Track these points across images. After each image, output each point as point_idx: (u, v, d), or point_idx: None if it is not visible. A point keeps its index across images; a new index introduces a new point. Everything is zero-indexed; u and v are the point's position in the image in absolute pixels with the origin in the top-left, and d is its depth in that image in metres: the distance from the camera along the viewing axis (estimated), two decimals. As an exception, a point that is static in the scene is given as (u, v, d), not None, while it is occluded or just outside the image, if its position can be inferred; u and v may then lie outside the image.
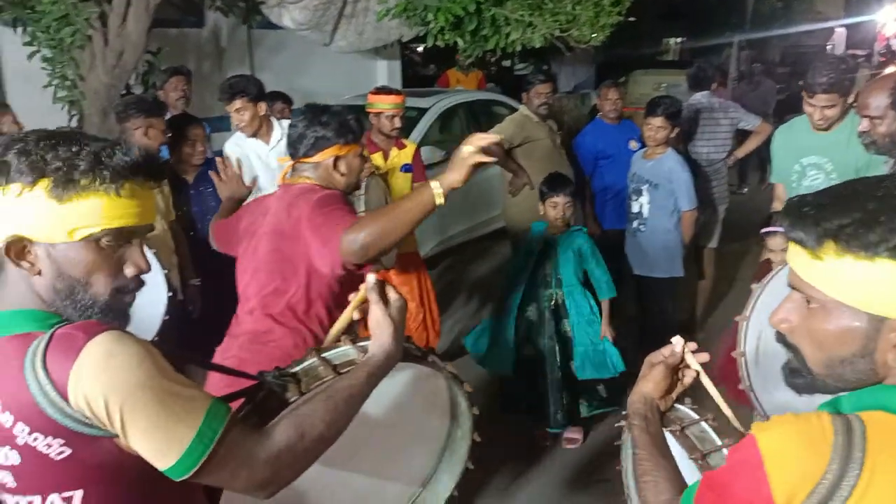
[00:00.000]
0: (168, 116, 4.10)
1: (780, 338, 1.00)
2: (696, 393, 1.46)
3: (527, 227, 3.97)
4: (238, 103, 3.83)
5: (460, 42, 6.26)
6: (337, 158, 2.31)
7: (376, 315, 1.34)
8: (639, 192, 4.23)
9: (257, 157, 3.99)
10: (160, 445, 1.08)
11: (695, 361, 1.38)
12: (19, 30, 5.44)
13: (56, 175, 1.11)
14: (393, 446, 1.60)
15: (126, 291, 1.22)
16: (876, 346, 0.91)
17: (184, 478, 1.10)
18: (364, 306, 1.40)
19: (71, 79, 5.21)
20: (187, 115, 4.14)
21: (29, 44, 5.41)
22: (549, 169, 4.04)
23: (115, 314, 1.21)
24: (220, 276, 3.04)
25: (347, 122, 2.35)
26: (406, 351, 1.41)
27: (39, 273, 1.16)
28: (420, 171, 4.31)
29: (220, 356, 2.27)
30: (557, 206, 3.65)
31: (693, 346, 1.39)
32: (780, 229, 3.20)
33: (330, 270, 2.12)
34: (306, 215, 2.16)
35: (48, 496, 1.13)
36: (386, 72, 9.31)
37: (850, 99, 3.08)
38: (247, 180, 3.64)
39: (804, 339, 0.97)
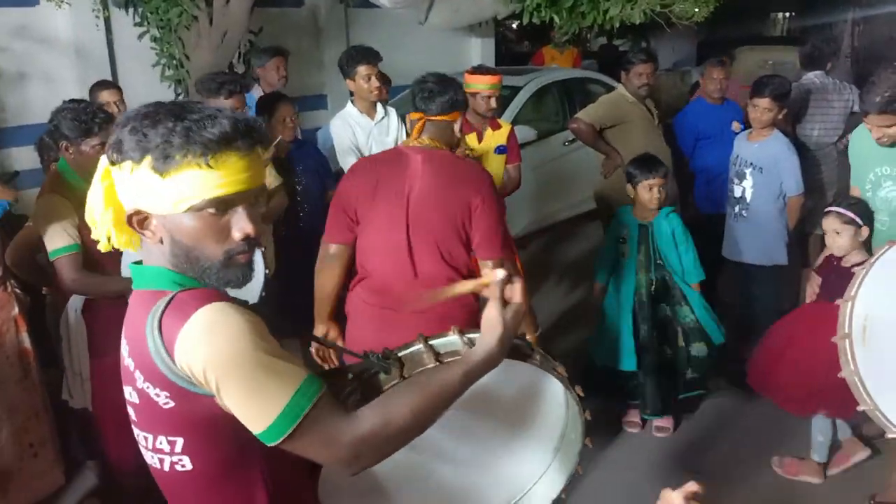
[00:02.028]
0: (261, 95, 4.22)
1: None
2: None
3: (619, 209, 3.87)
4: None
5: (556, 18, 6.15)
6: (457, 121, 2.68)
7: (491, 314, 1.31)
8: (742, 176, 4.05)
9: (363, 131, 4.11)
10: (251, 413, 1.16)
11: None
12: (130, 11, 5.68)
13: (156, 152, 1.18)
14: (504, 443, 1.58)
15: (238, 253, 1.27)
16: None
17: (272, 444, 1.17)
18: (481, 289, 1.38)
19: (177, 58, 5.42)
20: (277, 93, 4.24)
21: (139, 24, 5.66)
22: (643, 150, 3.92)
23: (232, 273, 1.27)
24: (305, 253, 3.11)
25: (464, 93, 2.74)
26: (517, 349, 1.38)
27: (161, 241, 1.25)
28: (515, 152, 4.26)
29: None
30: (652, 189, 3.53)
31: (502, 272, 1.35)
32: (839, 209, 3.07)
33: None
34: (487, 203, 2.57)
35: (157, 437, 1.27)
36: (480, 49, 9.24)
37: None
38: (352, 154, 3.87)
39: None
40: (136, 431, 1.32)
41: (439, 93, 2.63)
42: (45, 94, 5.32)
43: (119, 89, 4.39)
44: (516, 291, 1.35)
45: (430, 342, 1.37)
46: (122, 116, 1.25)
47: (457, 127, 2.70)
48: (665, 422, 3.73)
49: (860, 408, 2.38)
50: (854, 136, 3.37)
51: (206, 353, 1.14)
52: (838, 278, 3.01)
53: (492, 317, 1.30)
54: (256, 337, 1.17)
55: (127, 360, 1.26)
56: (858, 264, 2.85)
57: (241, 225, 1.25)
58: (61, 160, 2.94)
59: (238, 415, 1.17)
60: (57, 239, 2.77)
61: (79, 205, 2.76)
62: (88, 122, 2.78)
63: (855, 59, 11.24)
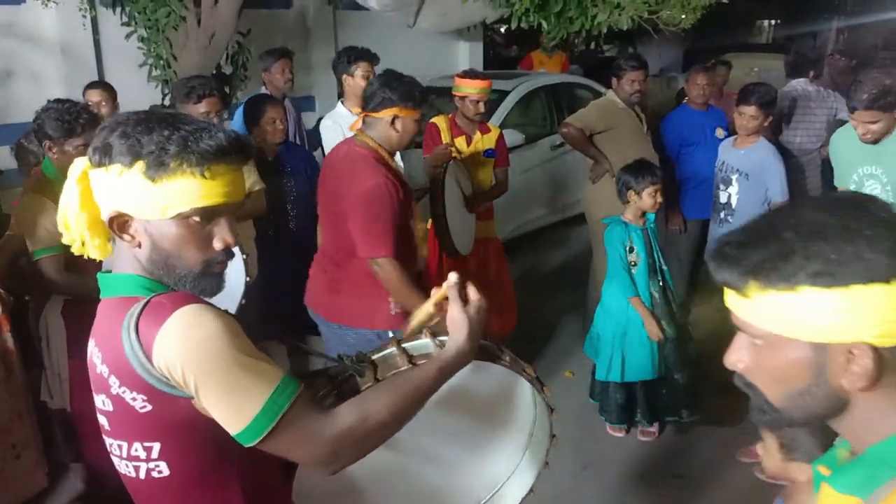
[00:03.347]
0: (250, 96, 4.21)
1: (739, 378, 0.98)
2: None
3: (606, 214, 3.87)
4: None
5: (545, 24, 6.17)
6: (395, 118, 2.70)
7: (454, 313, 1.35)
8: (728, 182, 4.08)
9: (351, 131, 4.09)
10: (229, 413, 1.17)
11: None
12: (118, 10, 5.66)
13: (149, 158, 1.19)
14: (476, 441, 1.60)
15: (215, 263, 1.30)
16: (827, 373, 0.88)
17: (250, 445, 1.18)
18: (443, 302, 1.40)
19: (165, 58, 5.40)
20: (265, 95, 4.23)
21: (126, 24, 5.63)
22: (633, 156, 3.93)
23: (207, 283, 1.30)
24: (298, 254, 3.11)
25: (412, 90, 2.71)
26: (486, 349, 1.41)
27: (139, 245, 1.26)
28: (503, 156, 4.28)
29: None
30: (657, 192, 3.55)
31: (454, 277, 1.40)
32: None
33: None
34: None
35: (132, 443, 1.26)
36: (468, 53, 9.27)
37: None
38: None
39: (759, 377, 0.94)
40: (108, 441, 1.31)
41: (377, 90, 2.72)
42: (31, 92, 5.30)
43: (110, 90, 4.36)
44: (472, 290, 1.38)
45: (403, 345, 1.40)
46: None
47: (399, 125, 2.72)
48: (652, 427, 3.75)
49: None
50: (835, 138, 3.43)
51: (183, 354, 1.15)
52: None
53: (455, 317, 1.35)
54: (233, 337, 1.18)
55: (100, 368, 1.25)
56: None
57: (222, 235, 1.28)
58: (45, 160, 2.93)
59: (216, 415, 1.18)
60: (40, 239, 2.77)
61: None
62: (72, 122, 2.78)
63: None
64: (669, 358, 3.62)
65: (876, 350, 0.85)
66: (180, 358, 1.15)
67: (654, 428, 3.75)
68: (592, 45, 13.29)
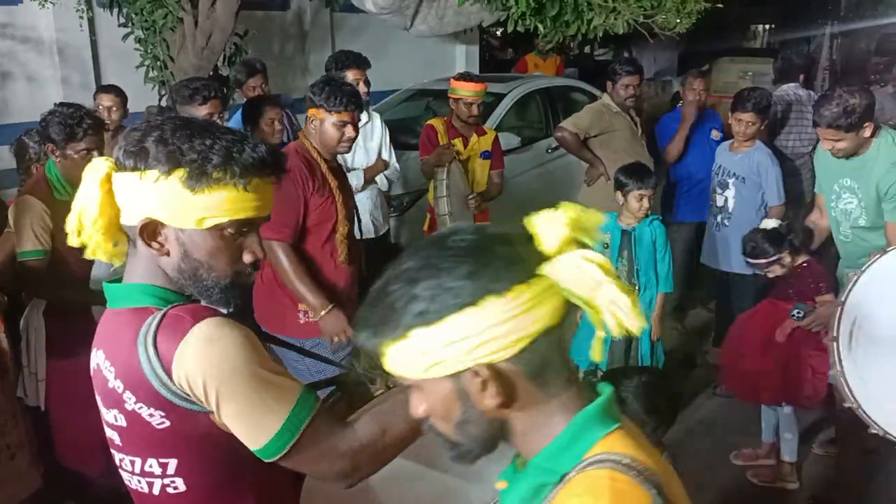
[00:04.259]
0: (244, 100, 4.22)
1: (427, 424, 1.00)
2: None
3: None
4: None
5: (541, 27, 6.18)
6: (313, 118, 2.78)
7: None
8: (724, 186, 4.11)
9: None
10: (250, 429, 1.16)
11: None
12: (115, 11, 5.65)
13: (191, 166, 1.17)
14: None
15: (243, 275, 1.28)
16: (472, 399, 0.90)
17: (270, 460, 1.16)
18: None
19: (162, 60, 5.40)
20: (265, 96, 4.24)
21: (123, 25, 5.62)
22: (628, 159, 3.96)
23: (233, 294, 1.28)
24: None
25: (334, 93, 2.73)
26: None
27: (168, 254, 1.23)
28: (499, 158, 4.30)
29: None
30: (642, 199, 3.57)
31: None
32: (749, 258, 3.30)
33: None
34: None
35: (147, 459, 1.23)
36: (464, 56, 9.28)
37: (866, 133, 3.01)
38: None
39: (433, 418, 0.97)
40: (118, 456, 1.28)
41: (308, 91, 2.83)
42: (27, 93, 5.30)
43: (121, 94, 4.33)
44: None
45: None
46: (143, 123, 1.23)
47: (316, 125, 2.78)
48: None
49: (846, 404, 2.52)
50: (818, 148, 3.45)
51: (205, 369, 1.13)
52: (791, 278, 3.27)
53: None
54: (253, 351, 1.17)
55: (113, 383, 1.21)
56: (803, 264, 3.22)
57: (253, 248, 1.27)
58: (49, 163, 2.96)
59: (236, 431, 1.17)
60: (27, 241, 2.81)
61: (57, 210, 2.80)
62: (74, 127, 2.82)
63: (833, 72, 11.41)
64: (616, 355, 3.60)
65: (493, 367, 0.88)
66: (201, 373, 1.13)
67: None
68: (588, 49, 13.34)
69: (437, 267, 0.88)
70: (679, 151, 4.69)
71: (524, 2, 5.82)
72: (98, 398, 1.29)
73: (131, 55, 5.57)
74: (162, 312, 1.18)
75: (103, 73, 5.92)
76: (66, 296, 2.91)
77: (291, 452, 1.16)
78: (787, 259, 3.25)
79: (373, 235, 4.27)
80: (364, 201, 4.19)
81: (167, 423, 1.19)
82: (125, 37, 5.58)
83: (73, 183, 2.92)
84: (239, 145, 1.20)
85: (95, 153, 2.85)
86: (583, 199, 4.77)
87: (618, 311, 0.87)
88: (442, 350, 0.88)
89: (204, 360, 1.14)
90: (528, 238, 0.91)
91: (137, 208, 1.21)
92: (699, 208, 4.54)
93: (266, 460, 1.17)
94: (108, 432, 1.27)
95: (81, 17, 5.57)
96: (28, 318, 3.00)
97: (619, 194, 3.62)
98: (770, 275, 3.31)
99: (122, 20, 5.64)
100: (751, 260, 3.33)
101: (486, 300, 0.86)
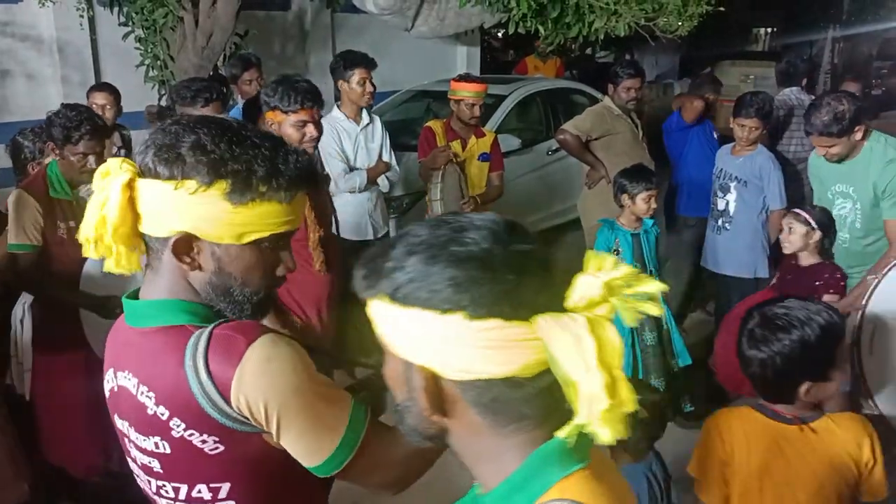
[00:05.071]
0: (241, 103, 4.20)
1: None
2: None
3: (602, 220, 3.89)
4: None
5: (542, 29, 6.18)
6: (272, 122, 2.63)
7: None
8: (726, 189, 4.09)
9: (349, 136, 4.09)
10: (310, 446, 1.11)
11: None
12: (115, 10, 5.65)
13: (235, 178, 1.09)
14: None
15: (273, 288, 1.23)
16: (415, 391, 0.82)
17: (327, 476, 1.12)
18: None
19: (162, 59, 5.39)
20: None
21: (124, 24, 5.62)
22: (629, 162, 3.95)
23: (265, 308, 1.22)
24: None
25: (287, 92, 2.60)
26: None
27: (199, 268, 1.15)
28: (498, 160, 4.28)
29: None
30: (649, 200, 3.56)
31: None
32: (798, 210, 3.20)
33: None
34: None
35: (196, 485, 1.16)
36: (465, 58, 9.29)
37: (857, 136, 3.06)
38: (337, 158, 3.82)
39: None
40: (156, 483, 1.19)
41: (261, 94, 2.73)
42: (27, 91, 5.29)
43: (115, 92, 4.29)
44: None
45: None
46: (170, 125, 1.13)
47: (278, 128, 2.63)
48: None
49: (864, 411, 2.50)
50: (812, 156, 3.48)
51: (266, 390, 1.07)
52: (793, 276, 3.21)
53: None
54: (308, 367, 1.12)
55: (154, 409, 1.12)
56: (812, 266, 3.13)
57: (286, 261, 1.21)
58: (52, 161, 2.98)
59: (295, 449, 1.11)
60: (16, 234, 2.84)
61: (50, 208, 2.83)
62: (72, 131, 2.83)
63: (834, 76, 11.41)
64: (649, 365, 3.60)
65: (435, 378, 0.81)
66: (262, 396, 1.07)
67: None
68: (588, 51, 13.34)
69: (434, 255, 0.80)
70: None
71: (525, 3, 5.83)
72: (123, 424, 1.20)
73: (131, 54, 5.57)
74: (206, 332, 1.10)
75: (103, 72, 5.92)
76: (51, 292, 2.92)
77: (349, 466, 1.11)
78: (813, 240, 3.16)
79: (372, 237, 4.25)
80: (364, 202, 4.17)
81: (221, 448, 1.11)
82: (125, 36, 5.58)
83: (71, 183, 2.93)
84: (282, 155, 1.13)
85: (92, 157, 2.86)
86: (583, 201, 4.76)
87: (591, 411, 0.74)
88: (397, 332, 0.82)
89: (264, 382, 1.07)
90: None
91: (169, 220, 1.11)
92: (702, 205, 4.53)
93: (321, 476, 1.12)
94: (143, 459, 1.18)
95: (82, 16, 5.57)
96: (16, 309, 3.01)
97: (624, 198, 3.60)
98: (786, 246, 3.23)
99: (123, 19, 5.64)
100: (797, 209, 3.25)
101: (453, 314, 0.77)
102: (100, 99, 4.19)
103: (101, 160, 2.89)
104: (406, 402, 0.86)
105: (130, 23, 5.53)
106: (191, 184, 1.08)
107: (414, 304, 0.79)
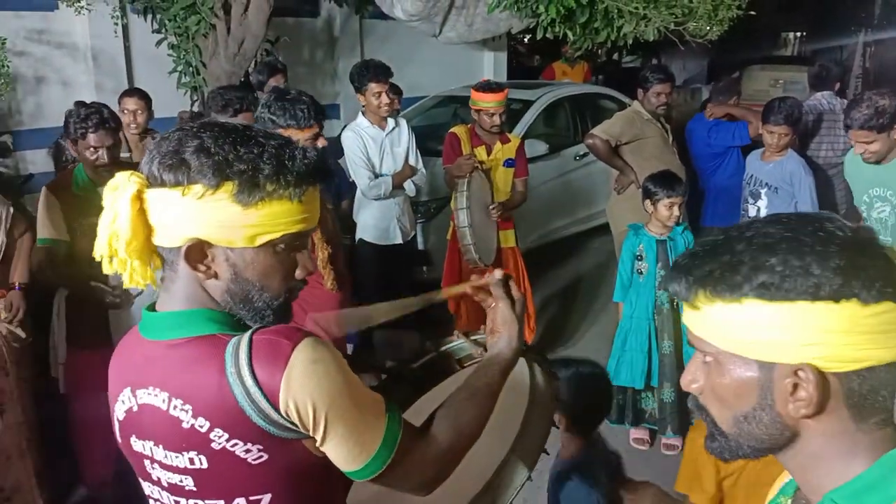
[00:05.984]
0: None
1: (693, 401, 0.92)
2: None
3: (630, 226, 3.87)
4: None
5: (570, 34, 6.17)
6: None
7: (504, 312, 1.33)
8: (756, 196, 4.06)
9: (373, 141, 4.12)
10: (352, 450, 1.09)
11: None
12: (149, 18, 5.74)
13: (241, 178, 1.07)
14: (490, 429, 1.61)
15: (294, 292, 1.20)
16: (774, 396, 0.81)
17: (366, 479, 1.12)
18: (477, 289, 1.38)
19: (194, 66, 5.47)
20: None
21: (157, 31, 5.70)
22: (659, 167, 3.93)
23: (286, 313, 1.19)
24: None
25: (300, 109, 2.60)
26: None
27: (216, 276, 1.13)
28: (523, 166, 4.29)
29: None
30: (672, 207, 3.54)
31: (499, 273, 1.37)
32: None
33: None
34: None
35: (234, 499, 1.12)
36: (492, 63, 9.28)
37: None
38: (363, 167, 3.81)
39: (709, 398, 0.88)
40: (185, 501, 1.15)
41: (260, 115, 2.70)
42: (62, 98, 5.38)
43: (146, 97, 4.34)
44: (514, 288, 1.37)
45: (442, 349, 1.41)
46: (173, 132, 1.12)
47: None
48: (675, 440, 3.72)
49: None
50: (847, 159, 3.46)
51: (313, 393, 1.05)
52: None
53: (506, 315, 1.33)
54: (347, 369, 1.11)
55: (192, 422, 1.08)
56: None
57: (304, 262, 1.18)
58: (79, 164, 3.08)
59: (337, 453, 1.10)
60: (42, 228, 2.96)
61: (72, 204, 2.91)
62: (77, 124, 2.91)
63: (866, 81, 11.23)
64: (667, 372, 3.61)
65: (822, 374, 0.79)
66: (310, 397, 1.05)
67: (679, 441, 3.72)
68: (615, 56, 13.28)
69: (804, 244, 0.78)
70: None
71: (554, 9, 5.81)
72: (146, 445, 1.15)
73: (164, 61, 5.65)
74: (246, 338, 1.07)
75: (136, 79, 6.01)
76: (69, 285, 3.03)
77: (387, 469, 1.10)
78: None
79: (400, 241, 4.27)
80: (392, 207, 4.20)
81: (265, 457, 1.08)
82: (158, 43, 5.66)
83: (95, 181, 2.95)
84: (289, 151, 1.11)
85: (103, 151, 2.91)
86: (612, 207, 4.74)
87: None
88: (773, 332, 0.79)
89: (311, 384, 1.05)
90: None
91: (180, 228, 1.09)
92: (729, 214, 4.49)
93: (359, 480, 1.11)
94: (173, 478, 1.13)
95: (116, 24, 5.67)
96: (56, 302, 3.13)
97: (647, 203, 3.59)
98: None
99: (156, 26, 5.73)
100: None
101: (849, 302, 0.77)
102: (131, 104, 4.25)
103: (112, 155, 2.96)
104: (750, 412, 0.84)
105: (163, 30, 5.62)
106: (197, 188, 1.07)
107: (796, 298, 0.78)
